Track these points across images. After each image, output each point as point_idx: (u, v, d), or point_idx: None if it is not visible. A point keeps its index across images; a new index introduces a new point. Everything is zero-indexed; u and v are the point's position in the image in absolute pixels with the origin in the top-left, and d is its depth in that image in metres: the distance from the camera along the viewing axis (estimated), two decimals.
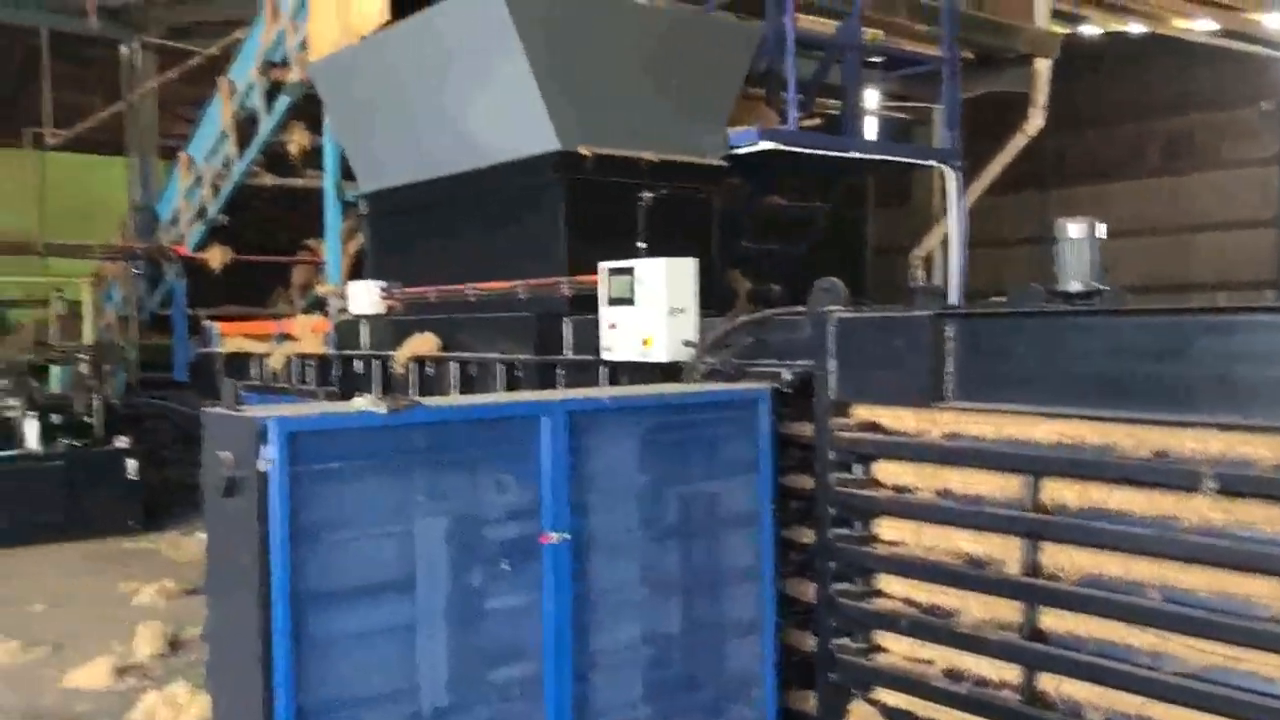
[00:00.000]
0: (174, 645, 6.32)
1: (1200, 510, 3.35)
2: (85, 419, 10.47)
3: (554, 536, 3.86)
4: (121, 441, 10.16)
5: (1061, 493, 3.71)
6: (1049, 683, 3.78)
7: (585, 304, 5.91)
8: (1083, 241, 5.00)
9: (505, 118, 6.30)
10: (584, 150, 6.07)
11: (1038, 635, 3.80)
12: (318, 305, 11.24)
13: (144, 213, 11.63)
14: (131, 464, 10.11)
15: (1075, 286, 4.96)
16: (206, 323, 10.09)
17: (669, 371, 5.17)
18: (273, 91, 9.17)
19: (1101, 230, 5.06)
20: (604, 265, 5.44)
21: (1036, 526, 3.75)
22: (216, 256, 10.85)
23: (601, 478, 4.10)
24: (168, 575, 8.05)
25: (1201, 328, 3.40)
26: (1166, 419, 3.43)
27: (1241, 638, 3.28)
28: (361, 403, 3.54)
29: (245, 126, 9.70)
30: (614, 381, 5.49)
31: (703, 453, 4.41)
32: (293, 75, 8.64)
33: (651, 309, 5.15)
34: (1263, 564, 3.22)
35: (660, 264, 5.17)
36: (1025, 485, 3.77)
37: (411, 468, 3.71)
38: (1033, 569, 3.78)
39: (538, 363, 5.94)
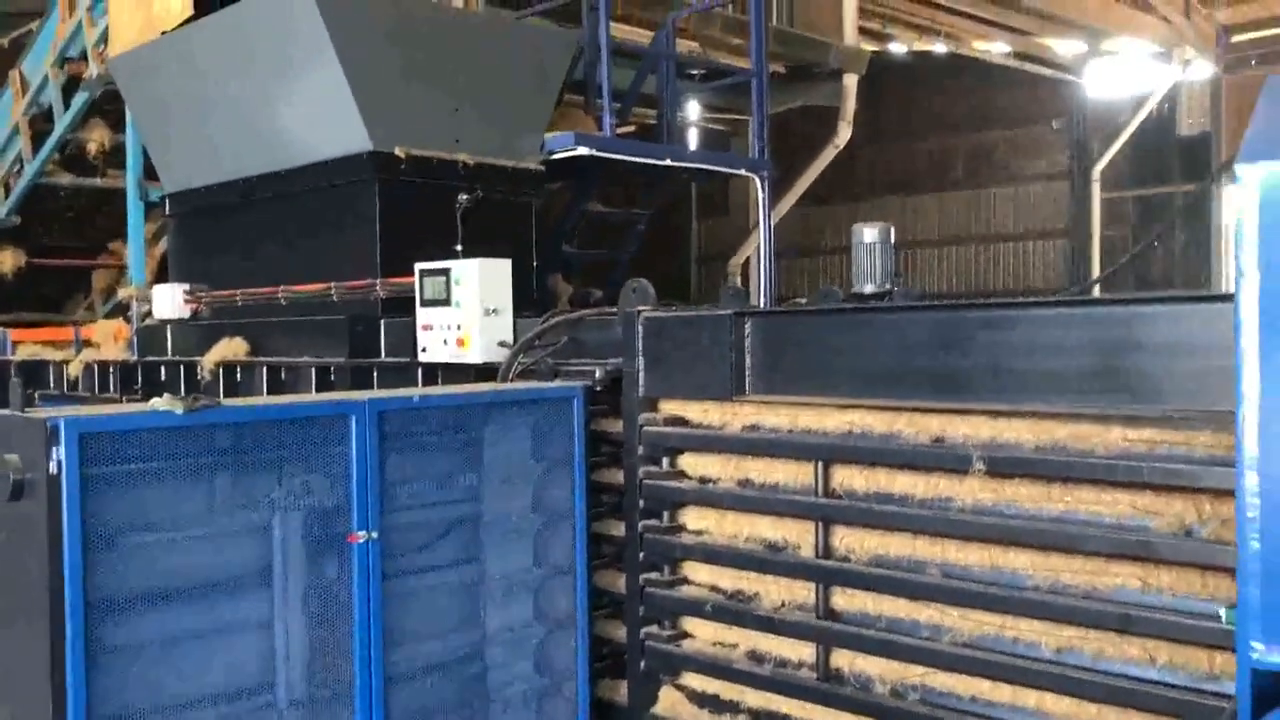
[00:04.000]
0: None
1: (972, 491, 3.63)
2: None
3: (361, 535, 3.86)
4: None
5: (851, 478, 3.94)
6: (843, 659, 4.01)
7: (400, 306, 5.89)
8: (876, 246, 5.31)
9: (316, 117, 6.21)
10: (399, 151, 6.05)
11: (831, 615, 4.02)
12: (122, 310, 10.76)
13: None
14: None
15: (869, 287, 5.26)
16: None
17: (485, 373, 5.22)
18: (70, 87, 8.75)
19: (893, 235, 5.38)
20: (419, 266, 5.44)
21: (828, 511, 3.97)
22: (7, 260, 10.25)
23: (412, 478, 4.12)
24: None
25: (975, 322, 3.68)
26: (944, 407, 3.70)
27: (1009, 607, 3.56)
28: (159, 402, 3.46)
29: (39, 122, 9.22)
30: (429, 383, 5.50)
31: (515, 451, 4.47)
32: (91, 71, 8.26)
33: (466, 310, 5.19)
34: (1026, 538, 3.51)
35: (474, 264, 5.22)
36: (817, 472, 3.98)
37: (214, 469, 3.65)
38: (825, 551, 4.00)
39: (352, 365, 5.88)
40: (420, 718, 4.12)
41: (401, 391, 4.51)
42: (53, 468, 3.21)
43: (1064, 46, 19.66)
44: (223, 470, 3.65)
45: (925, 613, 3.78)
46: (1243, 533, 2.48)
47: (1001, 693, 3.61)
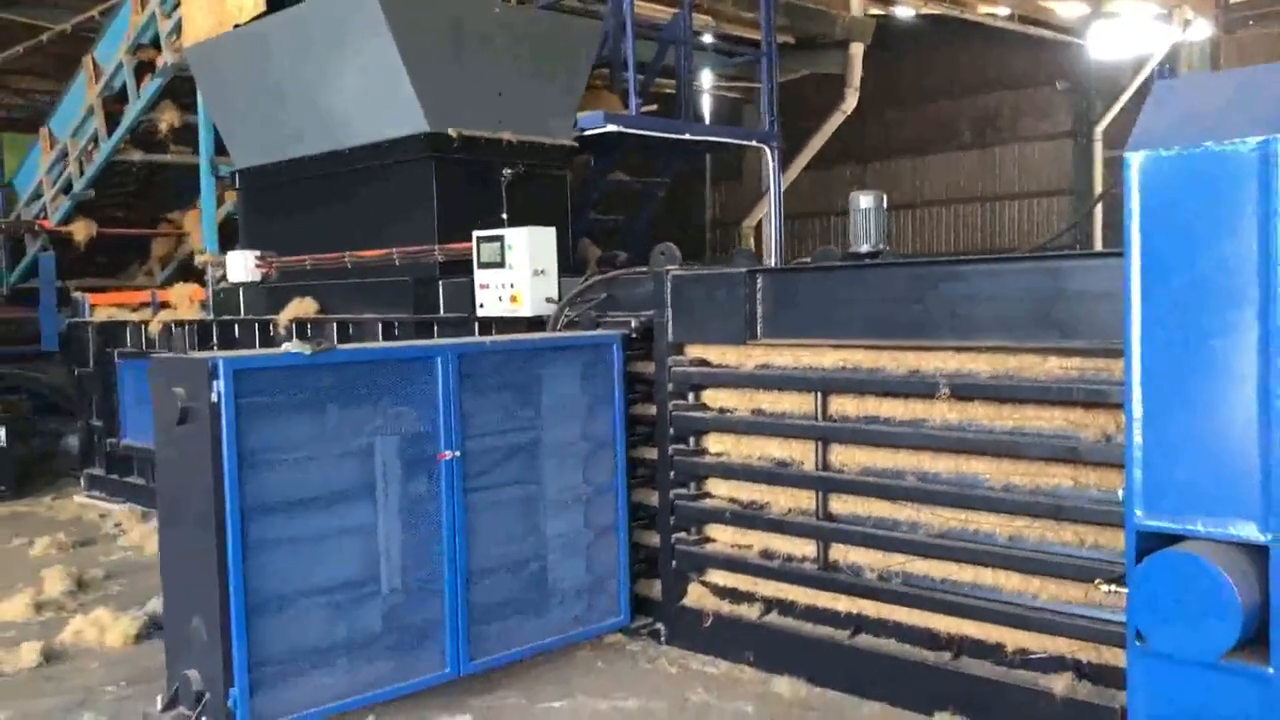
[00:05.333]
0: (80, 585, 6.88)
1: (941, 412, 4.49)
2: None
3: (448, 454, 4.75)
4: None
5: (844, 405, 4.82)
6: (839, 552, 4.90)
7: (455, 268, 6.75)
8: (870, 211, 6.15)
9: (378, 102, 7.03)
10: (451, 132, 6.88)
11: (829, 517, 4.90)
12: (182, 275, 11.67)
13: (5, 188, 11.77)
14: (1, 432, 10.36)
15: (864, 248, 6.11)
16: (76, 294, 10.40)
17: (534, 324, 6.08)
18: (139, 71, 9.58)
19: (885, 201, 6.21)
20: (476, 234, 6.29)
21: (826, 432, 4.85)
22: (81, 230, 11.14)
23: (484, 410, 4.99)
24: (54, 532, 8.47)
25: (940, 275, 4.52)
26: (917, 345, 4.55)
27: (971, 504, 4.43)
28: (290, 346, 4.34)
29: (109, 104, 10.06)
30: (485, 335, 6.35)
31: (566, 388, 5.33)
32: (163, 58, 9.09)
33: (518, 271, 6.05)
34: (983, 448, 4.37)
35: (524, 232, 6.07)
36: (816, 401, 4.85)
37: (330, 401, 4.51)
38: (824, 465, 4.87)
39: (416, 321, 6.74)
40: (494, 606, 5.01)
41: (476, 339, 5.39)
42: (213, 398, 4.10)
43: (1066, 9, 20.22)
44: (336, 402, 4.52)
45: (904, 512, 4.65)
46: (1130, 431, 3.34)
47: (965, 573, 4.49)
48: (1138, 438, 3.32)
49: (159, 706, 4.40)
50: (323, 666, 4.49)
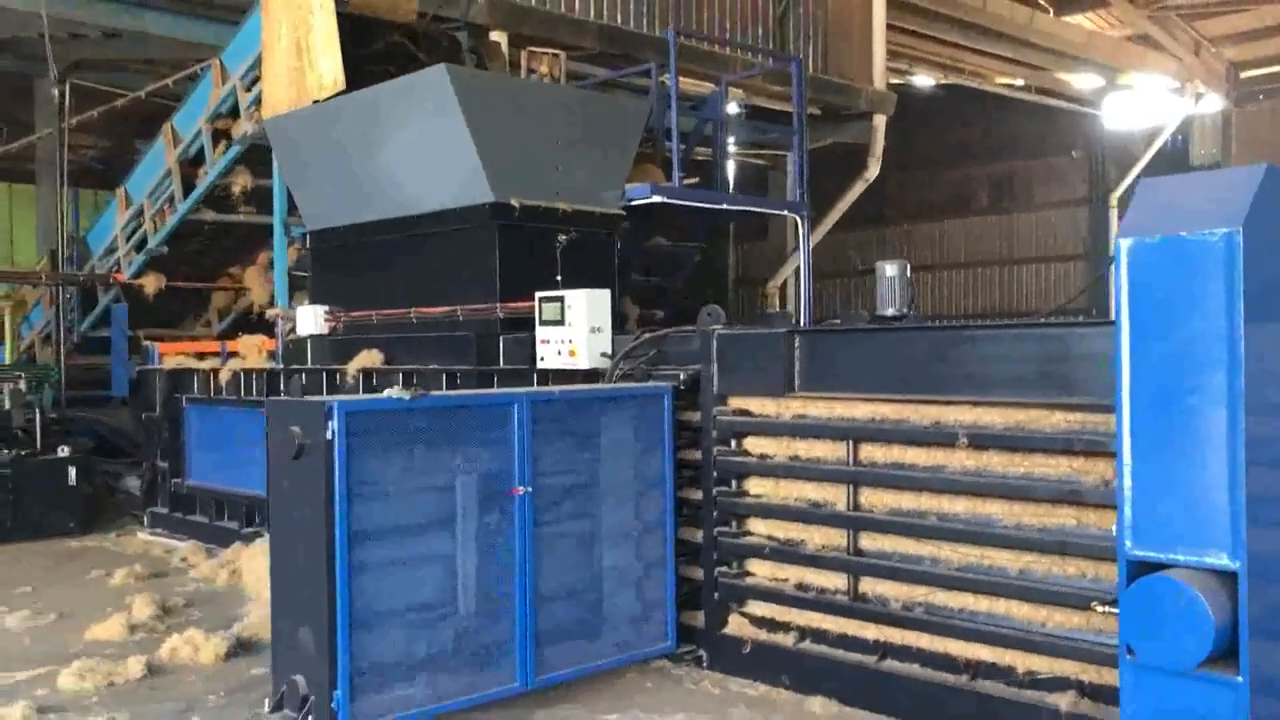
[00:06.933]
0: (165, 610, 7.47)
1: (960, 459, 5.08)
2: (20, 432, 11.30)
3: (520, 490, 5.36)
4: (63, 451, 11.06)
5: (873, 453, 5.41)
6: (867, 585, 5.46)
7: (515, 325, 7.41)
8: (895, 278, 6.77)
9: (447, 173, 7.74)
10: (514, 201, 7.58)
11: (859, 553, 5.47)
12: (239, 326, 12.40)
13: (78, 243, 12.57)
14: (73, 472, 11.01)
15: (890, 311, 6.72)
16: (147, 343, 11.11)
17: (588, 376, 6.71)
18: (216, 138, 10.37)
19: (909, 270, 6.82)
20: (539, 295, 6.95)
21: (856, 476, 5.44)
22: (151, 283, 11.89)
23: (550, 452, 5.60)
24: (125, 565, 9.07)
25: (960, 338, 5.14)
26: (938, 399, 5.15)
27: (986, 541, 5.00)
28: (391, 391, 4.97)
29: (185, 167, 10.85)
30: (543, 385, 6.98)
31: (621, 434, 5.95)
32: (239, 128, 9.87)
33: (576, 328, 6.70)
34: (998, 492, 4.95)
35: (583, 294, 6.72)
36: (848, 449, 5.45)
37: (419, 441, 5.12)
38: (855, 506, 5.46)
39: (478, 372, 7.39)
40: (556, 629, 5.58)
41: (546, 389, 6.03)
42: (328, 435, 4.73)
43: (1081, 81, 21.02)
44: (425, 442, 5.14)
45: (927, 549, 5.22)
46: (1120, 474, 3.92)
47: (981, 604, 5.05)
48: (1127, 480, 3.89)
49: (267, 708, 4.99)
50: (407, 677, 5.06)
